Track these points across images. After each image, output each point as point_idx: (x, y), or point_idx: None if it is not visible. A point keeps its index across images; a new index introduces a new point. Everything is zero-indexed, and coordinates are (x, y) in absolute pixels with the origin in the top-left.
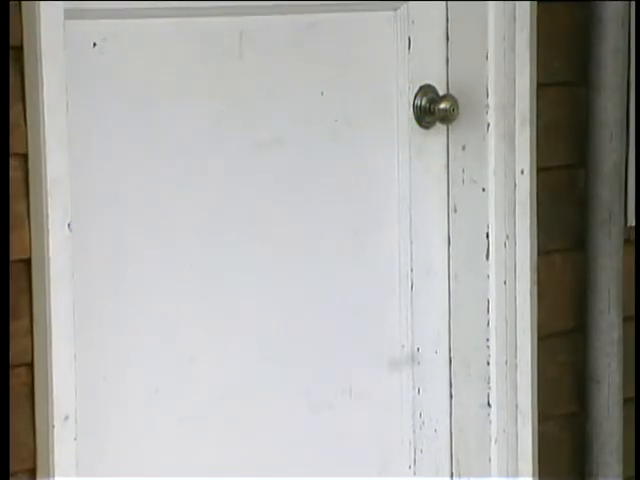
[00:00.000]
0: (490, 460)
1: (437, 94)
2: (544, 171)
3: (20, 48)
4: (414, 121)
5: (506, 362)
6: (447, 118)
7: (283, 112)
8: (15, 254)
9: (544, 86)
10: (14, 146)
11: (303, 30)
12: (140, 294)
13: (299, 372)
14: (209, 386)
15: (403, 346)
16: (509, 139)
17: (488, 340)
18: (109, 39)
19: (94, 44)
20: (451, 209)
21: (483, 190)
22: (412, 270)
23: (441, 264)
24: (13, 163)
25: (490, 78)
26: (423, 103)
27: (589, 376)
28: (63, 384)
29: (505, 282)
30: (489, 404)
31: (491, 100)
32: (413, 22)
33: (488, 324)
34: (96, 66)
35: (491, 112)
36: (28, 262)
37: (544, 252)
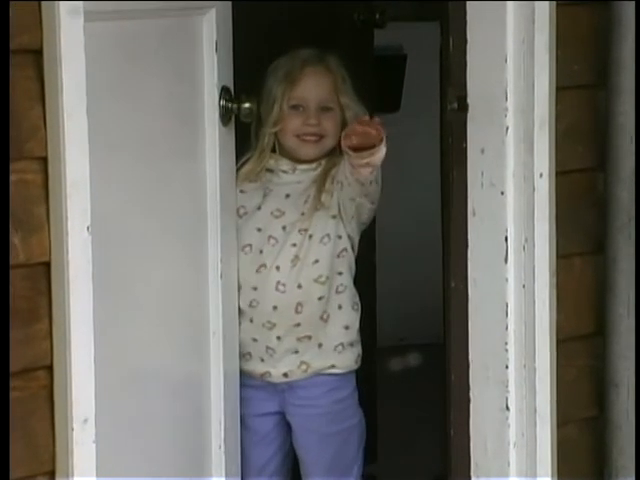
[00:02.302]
0: (509, 464)
1: (232, 95)
2: (563, 174)
3: (40, 52)
4: (219, 121)
5: (525, 366)
6: (248, 116)
7: (154, 110)
8: (35, 257)
9: (563, 89)
10: (34, 149)
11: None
12: None
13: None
14: None
15: (214, 332)
16: (528, 142)
17: (507, 344)
18: None
19: None
20: (470, 213)
21: (502, 193)
22: (221, 261)
23: (234, 255)
24: (33, 166)
25: (509, 81)
26: (225, 103)
27: (608, 380)
28: (82, 387)
29: (524, 286)
30: (508, 408)
31: (510, 103)
32: (218, 27)
33: (507, 328)
34: None
35: (510, 115)
36: (48, 265)
37: (563, 255)
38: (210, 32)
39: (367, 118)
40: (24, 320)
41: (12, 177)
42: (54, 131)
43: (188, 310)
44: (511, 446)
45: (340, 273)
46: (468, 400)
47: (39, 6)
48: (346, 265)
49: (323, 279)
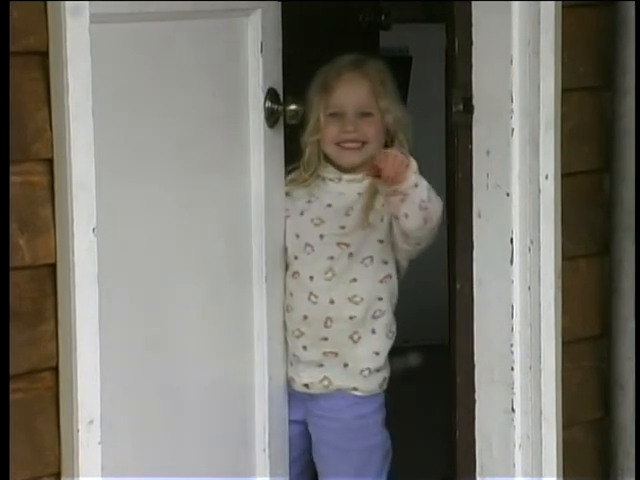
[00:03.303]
0: (514, 465)
1: (279, 97)
2: (569, 176)
3: (46, 53)
4: (264, 122)
5: (530, 367)
6: (294, 118)
7: (191, 112)
8: (41, 259)
9: (569, 91)
10: (40, 151)
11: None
12: None
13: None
14: None
15: (259, 336)
16: (534, 144)
17: (512, 345)
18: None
19: None
20: (475, 214)
21: (507, 195)
22: (266, 263)
23: (280, 259)
24: (38, 168)
25: (515, 83)
26: (271, 105)
27: (614, 382)
28: (88, 388)
29: (529, 287)
30: (513, 409)
31: (515, 105)
32: (264, 28)
33: (512, 329)
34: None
35: (515, 117)
36: (53, 267)
37: (569, 257)
38: (255, 34)
39: (391, 155)
40: (30, 322)
41: (18, 179)
42: (60, 133)
43: (232, 313)
44: (516, 448)
45: (380, 298)
46: (473, 402)
47: (45, 8)
48: (388, 291)
49: (358, 299)
